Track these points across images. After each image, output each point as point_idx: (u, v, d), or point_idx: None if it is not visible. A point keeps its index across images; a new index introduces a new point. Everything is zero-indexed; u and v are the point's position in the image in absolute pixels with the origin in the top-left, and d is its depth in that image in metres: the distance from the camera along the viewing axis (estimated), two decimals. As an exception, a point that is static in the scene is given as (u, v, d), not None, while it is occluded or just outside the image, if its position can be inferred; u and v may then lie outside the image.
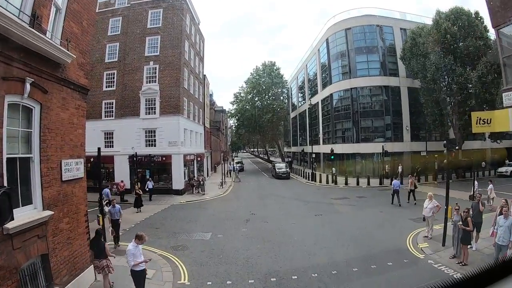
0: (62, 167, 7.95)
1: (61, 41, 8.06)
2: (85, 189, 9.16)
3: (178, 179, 27.80)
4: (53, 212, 7.47)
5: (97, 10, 31.42)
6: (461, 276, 1.79)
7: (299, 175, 42.99)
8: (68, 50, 7.98)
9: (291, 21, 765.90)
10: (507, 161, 36.01)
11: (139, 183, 24.39)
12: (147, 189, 24.36)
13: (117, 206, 14.23)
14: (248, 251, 12.24)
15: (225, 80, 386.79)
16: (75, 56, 8.23)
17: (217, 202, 25.03)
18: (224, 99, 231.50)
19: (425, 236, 13.57)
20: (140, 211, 20.35)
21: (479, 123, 13.09)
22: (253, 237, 14.14)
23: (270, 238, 13.94)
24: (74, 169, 8.46)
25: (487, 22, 32.41)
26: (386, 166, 34.12)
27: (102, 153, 28.39)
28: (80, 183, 8.81)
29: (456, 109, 32.16)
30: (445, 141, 12.42)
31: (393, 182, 22.18)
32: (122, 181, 25.77)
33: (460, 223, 10.76)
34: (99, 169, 12.75)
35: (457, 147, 14.63)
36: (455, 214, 11.32)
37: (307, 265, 10.77)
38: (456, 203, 12.17)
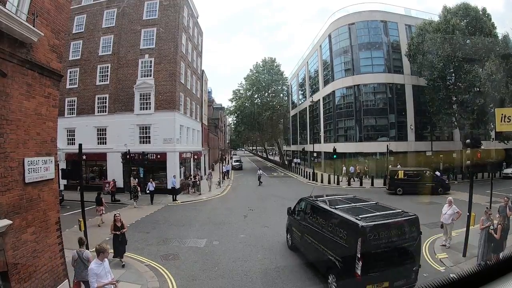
0: (25, 167, 6.61)
1: (27, 16, 6.74)
2: (56, 193, 7.81)
3: (173, 178, 26.42)
4: (11, 222, 6.14)
5: (91, 2, 30.56)
6: (461, 273, 1.77)
7: (299, 174, 41.69)
8: (34, 27, 6.67)
9: (290, 18, 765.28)
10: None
11: (136, 179, 23.91)
12: (148, 191, 22.88)
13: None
14: (247, 262, 10.89)
15: (224, 78, 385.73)
16: (42, 34, 6.89)
17: (213, 203, 23.68)
18: (223, 96, 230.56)
19: (443, 245, 12.31)
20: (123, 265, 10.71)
21: (504, 121, 11.77)
22: (253, 245, 12.77)
23: (272, 246, 12.59)
24: (42, 168, 7.10)
25: (494, 19, 31.43)
26: (390, 166, 32.97)
27: (95, 150, 27.66)
28: (49, 185, 7.44)
29: (463, 108, 31.00)
30: (468, 140, 11.06)
31: (350, 167, 33.38)
32: (113, 180, 24.47)
33: (492, 227, 9.59)
34: (79, 168, 11.28)
35: (482, 146, 13.49)
36: (485, 219, 10.09)
37: (314, 281, 9.46)
38: (487, 207, 10.93)
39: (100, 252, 6.49)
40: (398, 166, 32.52)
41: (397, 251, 8.09)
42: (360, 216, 8.27)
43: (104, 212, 17.12)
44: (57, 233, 7.80)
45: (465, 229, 11.48)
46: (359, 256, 7.61)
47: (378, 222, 8.08)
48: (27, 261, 6.72)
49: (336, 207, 9.55)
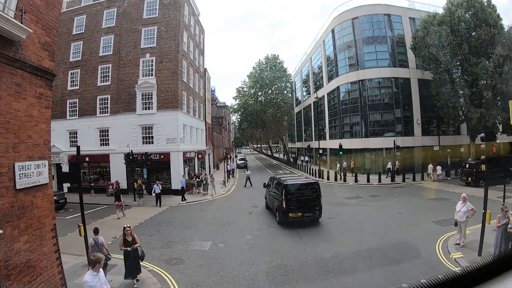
0: (16, 172, 6.21)
1: (15, 13, 6.35)
2: (52, 198, 7.39)
3: (177, 178, 26.00)
4: (2, 231, 5.76)
5: (91, 2, 30.23)
6: (467, 267, 1.76)
7: (305, 171, 41.24)
8: (22, 23, 6.27)
9: (291, 16, 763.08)
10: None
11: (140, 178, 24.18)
12: (154, 193, 22.40)
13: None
14: (253, 266, 10.44)
15: (227, 77, 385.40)
16: (31, 31, 6.48)
17: (219, 203, 23.32)
18: (227, 95, 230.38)
19: (456, 244, 11.80)
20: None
21: (519, 113, 11.22)
22: (259, 247, 12.34)
23: (279, 247, 12.15)
24: (35, 173, 6.70)
25: (500, 10, 30.75)
26: (396, 162, 32.50)
27: (97, 152, 27.44)
28: (43, 190, 7.04)
29: (471, 102, 30.35)
30: (482, 134, 10.57)
31: (343, 163, 34.91)
32: (116, 181, 24.17)
33: (510, 225, 9.13)
34: (78, 171, 10.89)
35: (497, 140, 12.93)
36: (501, 216, 9.61)
37: (324, 285, 9.04)
38: (503, 204, 10.43)
39: (96, 263, 6.08)
40: (397, 162, 32.21)
41: (304, 198, 15.24)
42: (287, 180, 16.49)
43: (123, 206, 19.36)
44: (53, 241, 7.40)
45: (478, 226, 11.09)
46: (283, 198, 14.98)
47: (293, 182, 16.10)
48: (21, 272, 6.34)
49: (281, 178, 17.88)
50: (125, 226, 9.58)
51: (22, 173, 6.37)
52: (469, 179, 25.50)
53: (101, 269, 6.20)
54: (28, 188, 6.58)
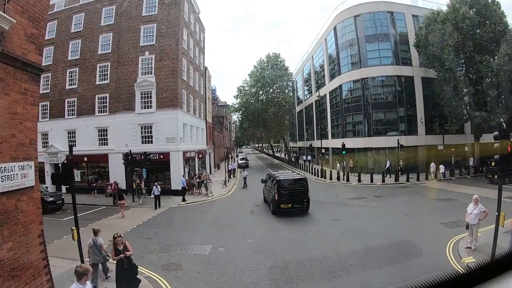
0: (-2, 174, 5.73)
1: (-2, 2, 5.86)
2: (38, 202, 6.89)
3: (177, 178, 25.52)
4: (-19, 239, 5.28)
5: (89, 0, 29.76)
6: (468, 266, 1.81)
7: (307, 171, 40.72)
8: (4, 13, 5.78)
9: (291, 15, 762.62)
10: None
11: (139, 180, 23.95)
12: (153, 195, 21.76)
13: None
14: (255, 272, 9.89)
15: (227, 76, 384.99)
16: (15, 21, 6.00)
17: (219, 203, 22.83)
18: (227, 94, 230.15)
19: (468, 247, 11.26)
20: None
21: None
22: (262, 251, 11.76)
23: (282, 252, 11.58)
24: (19, 175, 6.21)
25: (504, 7, 30.19)
26: (400, 161, 32.01)
27: (96, 152, 27.00)
28: (29, 194, 6.55)
29: (475, 100, 29.80)
30: (496, 132, 10.02)
31: (342, 162, 35.47)
32: (115, 182, 23.69)
33: None
34: (71, 172, 10.33)
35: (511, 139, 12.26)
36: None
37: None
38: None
39: (83, 275, 5.53)
40: (401, 162, 31.78)
41: (294, 191, 17.28)
42: (279, 176, 18.70)
43: (126, 205, 20.05)
44: (41, 247, 6.90)
45: (488, 227, 10.75)
46: (275, 191, 17.06)
47: (285, 178, 18.22)
48: (5, 282, 5.86)
49: (275, 174, 19.80)
50: (115, 235, 8.82)
51: (5, 175, 5.90)
52: (495, 176, 24.90)
53: (88, 282, 5.67)
54: (12, 192, 6.11)
